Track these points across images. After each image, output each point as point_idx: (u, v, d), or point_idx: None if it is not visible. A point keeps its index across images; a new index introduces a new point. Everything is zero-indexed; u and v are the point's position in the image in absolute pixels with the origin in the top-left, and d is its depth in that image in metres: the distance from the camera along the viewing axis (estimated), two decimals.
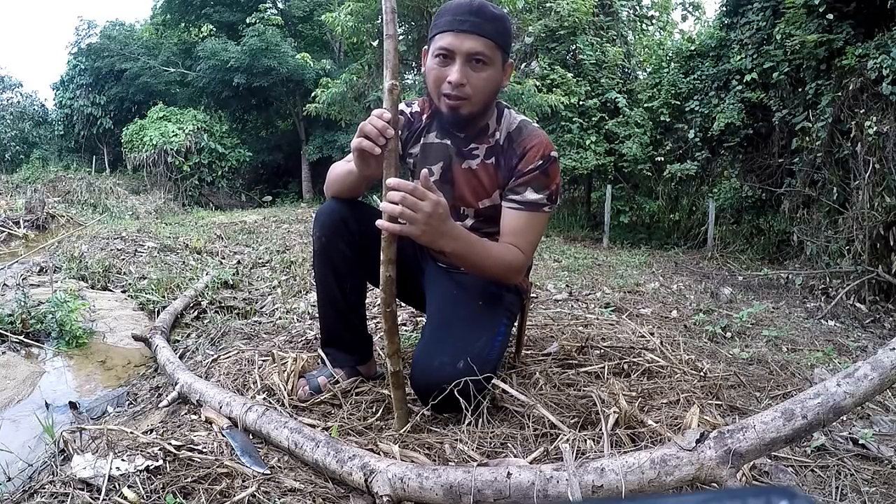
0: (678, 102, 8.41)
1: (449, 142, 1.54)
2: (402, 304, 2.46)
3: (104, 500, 1.07)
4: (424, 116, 1.58)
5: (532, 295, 2.21)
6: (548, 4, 9.74)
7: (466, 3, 1.37)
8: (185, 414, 1.54)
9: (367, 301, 1.81)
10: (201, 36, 15.40)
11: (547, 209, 1.48)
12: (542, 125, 9.49)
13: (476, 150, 1.52)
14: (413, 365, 1.48)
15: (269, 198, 14.11)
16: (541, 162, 1.44)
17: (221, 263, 4.16)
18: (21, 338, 2.31)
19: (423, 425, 1.43)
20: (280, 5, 15.39)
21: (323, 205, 1.64)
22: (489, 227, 1.57)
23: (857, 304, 4.58)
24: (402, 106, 1.60)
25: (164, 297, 3.03)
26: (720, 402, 1.61)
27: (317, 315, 2.49)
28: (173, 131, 12.92)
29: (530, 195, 1.45)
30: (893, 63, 4.96)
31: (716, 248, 7.41)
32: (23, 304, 2.39)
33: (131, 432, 1.33)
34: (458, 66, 1.35)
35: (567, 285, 3.66)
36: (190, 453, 1.23)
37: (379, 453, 1.26)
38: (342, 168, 1.55)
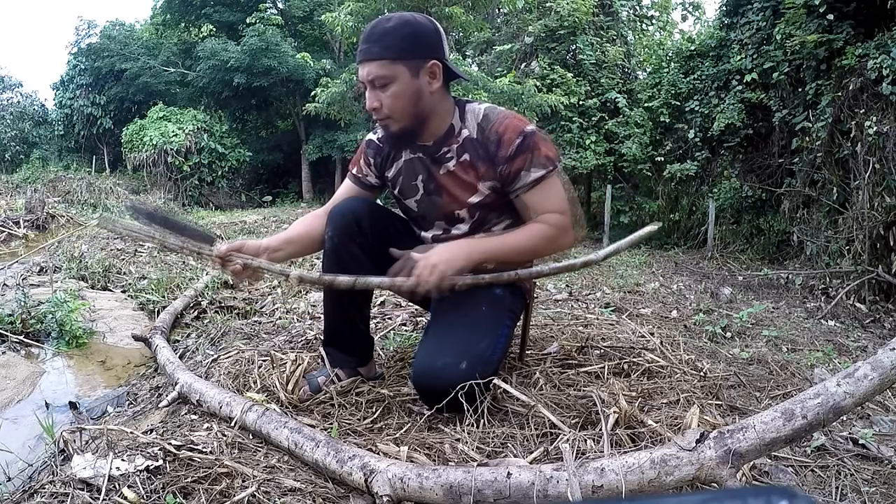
0: (678, 102, 8.41)
1: (420, 154, 1.55)
2: (406, 304, 2.47)
3: (104, 500, 1.07)
4: None
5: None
6: (548, 4, 9.75)
7: (367, 28, 1.41)
8: (185, 414, 1.54)
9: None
10: (201, 36, 15.41)
11: (553, 171, 1.47)
12: (542, 125, 9.49)
13: (448, 152, 1.51)
14: (415, 364, 1.48)
15: (269, 198, 14.12)
16: (520, 140, 1.43)
17: None
18: (21, 338, 2.31)
19: (423, 425, 1.43)
20: (280, 5, 15.40)
21: (337, 204, 1.63)
22: (485, 227, 1.56)
23: (857, 304, 4.58)
24: (370, 135, 1.66)
25: (164, 297, 3.03)
26: (720, 402, 1.61)
27: (317, 315, 2.50)
28: (173, 131, 12.93)
29: (533, 174, 1.44)
30: (893, 63, 4.96)
31: (716, 248, 7.41)
32: (23, 304, 2.39)
33: (131, 432, 1.33)
34: (367, 93, 1.41)
35: (567, 285, 3.66)
36: (190, 453, 1.23)
37: (379, 453, 1.26)
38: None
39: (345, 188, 1.73)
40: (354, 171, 1.69)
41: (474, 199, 1.53)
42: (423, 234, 1.67)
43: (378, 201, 1.74)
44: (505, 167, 1.45)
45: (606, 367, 1.72)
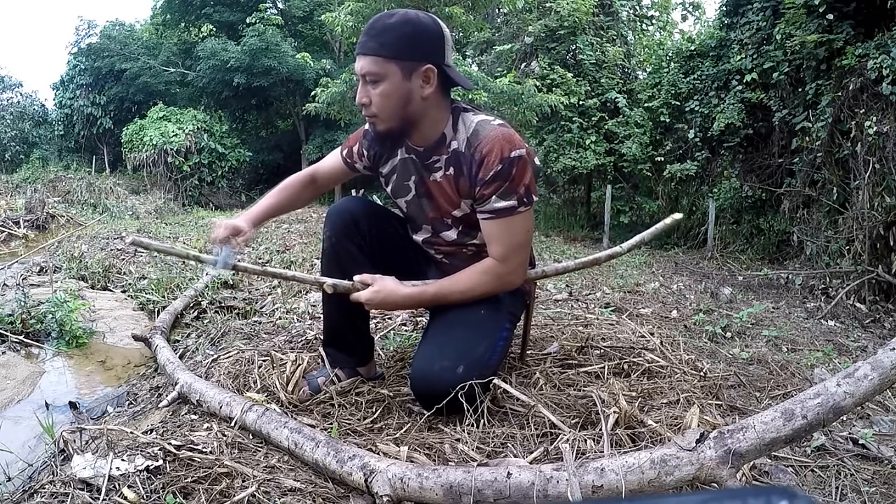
0: (678, 102, 8.41)
1: (414, 156, 1.52)
2: None
3: (104, 500, 1.07)
4: None
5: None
6: (548, 4, 9.74)
7: (370, 21, 1.38)
8: (185, 414, 1.54)
9: None
10: (201, 36, 15.43)
11: (522, 209, 1.40)
12: (541, 125, 9.50)
13: (437, 162, 1.48)
14: (413, 368, 1.48)
15: None
16: (500, 167, 1.36)
17: None
18: (21, 338, 2.31)
19: (423, 425, 1.43)
20: (280, 5, 15.41)
21: (335, 204, 1.63)
22: (473, 233, 1.54)
23: (857, 304, 4.58)
24: (367, 125, 1.57)
25: (164, 297, 3.03)
26: (720, 402, 1.61)
27: (317, 315, 2.50)
28: (173, 131, 12.93)
29: (497, 203, 1.40)
30: (893, 63, 4.96)
31: (716, 248, 7.41)
32: (23, 304, 2.39)
33: (131, 432, 1.33)
34: (359, 88, 1.39)
35: (567, 285, 3.66)
36: (190, 453, 1.23)
37: (379, 453, 1.26)
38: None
39: (332, 163, 1.71)
40: (345, 154, 1.66)
41: (458, 213, 1.51)
42: (413, 236, 1.65)
43: (377, 201, 1.74)
44: (479, 189, 1.41)
45: (606, 367, 1.72)
